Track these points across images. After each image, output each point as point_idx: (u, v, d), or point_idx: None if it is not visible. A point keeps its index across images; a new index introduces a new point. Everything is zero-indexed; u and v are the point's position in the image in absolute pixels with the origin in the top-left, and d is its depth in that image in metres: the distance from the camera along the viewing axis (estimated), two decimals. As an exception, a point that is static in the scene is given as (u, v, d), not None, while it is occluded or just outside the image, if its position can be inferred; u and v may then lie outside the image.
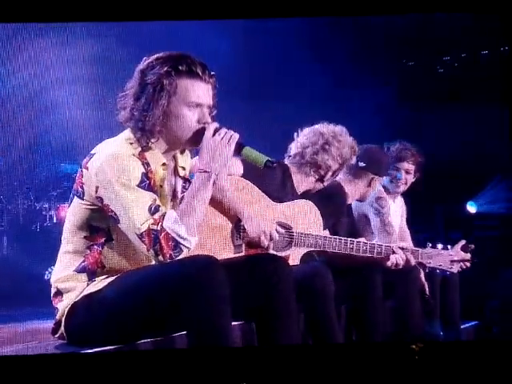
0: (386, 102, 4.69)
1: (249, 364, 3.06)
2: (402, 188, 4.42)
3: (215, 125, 2.85)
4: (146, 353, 2.92)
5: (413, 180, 4.44)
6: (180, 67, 2.81)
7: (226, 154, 2.82)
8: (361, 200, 4.19)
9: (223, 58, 4.06)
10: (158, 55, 2.86)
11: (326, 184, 3.78)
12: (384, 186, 4.40)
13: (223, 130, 2.83)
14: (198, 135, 2.84)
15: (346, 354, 3.21)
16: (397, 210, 4.46)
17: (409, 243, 4.25)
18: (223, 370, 3.02)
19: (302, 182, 3.74)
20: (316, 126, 3.76)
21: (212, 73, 2.88)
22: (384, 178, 4.28)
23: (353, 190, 4.09)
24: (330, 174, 3.73)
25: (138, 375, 3.00)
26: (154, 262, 2.81)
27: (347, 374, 3.12)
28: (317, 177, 3.73)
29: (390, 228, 4.24)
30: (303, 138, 3.75)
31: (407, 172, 4.38)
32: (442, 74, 5.02)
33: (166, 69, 2.80)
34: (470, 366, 3.20)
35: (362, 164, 4.05)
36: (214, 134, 2.82)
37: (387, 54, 4.73)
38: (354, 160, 3.78)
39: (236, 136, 2.84)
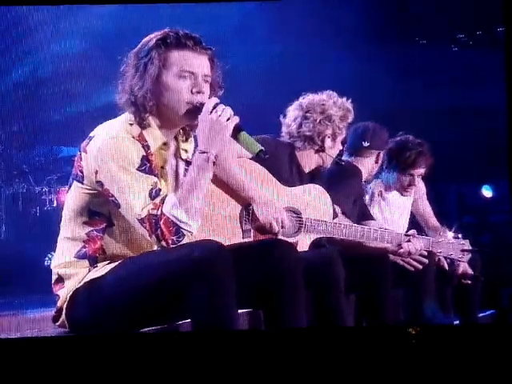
0: (396, 82, 4.69)
1: (256, 348, 3.11)
2: (411, 191, 4.39)
3: (214, 100, 2.84)
4: (150, 335, 2.98)
5: None
6: (168, 40, 2.84)
7: (223, 134, 2.80)
8: (367, 180, 4.24)
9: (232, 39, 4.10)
10: (151, 35, 2.90)
11: (331, 153, 3.75)
12: (389, 183, 4.40)
13: (221, 107, 2.81)
14: (194, 109, 2.84)
15: (343, 338, 3.25)
16: (405, 202, 4.46)
17: (433, 224, 4.35)
18: (229, 354, 3.07)
19: (305, 157, 3.74)
20: (296, 101, 3.77)
21: (208, 46, 2.89)
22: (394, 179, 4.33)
23: (363, 170, 4.14)
24: (327, 140, 3.72)
25: (140, 357, 3.06)
26: (155, 248, 2.84)
27: (344, 357, 3.16)
28: (316, 148, 3.73)
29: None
30: (287, 117, 3.77)
31: (419, 175, 4.35)
32: (457, 53, 5.00)
33: (154, 42, 2.84)
34: (468, 349, 3.25)
35: (365, 144, 4.13)
36: (211, 112, 2.80)
37: (398, 32, 4.72)
38: (350, 119, 3.77)
39: (235, 118, 2.81)
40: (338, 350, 3.17)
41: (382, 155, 4.21)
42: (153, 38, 2.87)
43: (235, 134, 2.83)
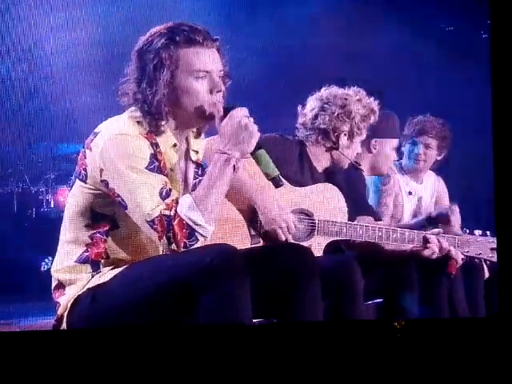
0: (421, 71, 4.72)
1: (266, 344, 3.17)
2: (422, 165, 4.49)
3: (246, 110, 2.89)
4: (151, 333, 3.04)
5: (438, 158, 4.51)
6: (177, 37, 2.88)
7: (250, 140, 2.85)
8: (380, 174, 4.27)
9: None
10: (152, 30, 2.93)
11: (346, 153, 3.75)
12: (401, 165, 4.50)
13: (251, 119, 2.87)
14: (213, 109, 2.89)
15: (328, 332, 3.27)
16: (421, 191, 4.52)
17: (454, 227, 4.34)
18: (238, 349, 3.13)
19: (318, 155, 3.74)
20: (318, 92, 3.78)
21: (215, 37, 2.94)
22: (404, 155, 4.43)
23: (370, 165, 4.18)
24: (343, 137, 3.72)
25: (145, 351, 3.12)
26: (161, 251, 2.89)
27: (328, 351, 3.20)
28: (328, 144, 3.73)
29: (385, 209, 4.32)
30: (305, 107, 3.79)
31: (427, 147, 4.45)
32: (487, 40, 4.99)
33: (162, 41, 2.87)
34: (453, 343, 3.30)
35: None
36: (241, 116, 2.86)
37: (423, 18, 4.74)
38: (373, 120, 3.77)
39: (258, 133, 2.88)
40: (323, 343, 3.21)
41: (374, 142, 4.17)
42: (156, 35, 2.89)
43: (254, 149, 2.89)
